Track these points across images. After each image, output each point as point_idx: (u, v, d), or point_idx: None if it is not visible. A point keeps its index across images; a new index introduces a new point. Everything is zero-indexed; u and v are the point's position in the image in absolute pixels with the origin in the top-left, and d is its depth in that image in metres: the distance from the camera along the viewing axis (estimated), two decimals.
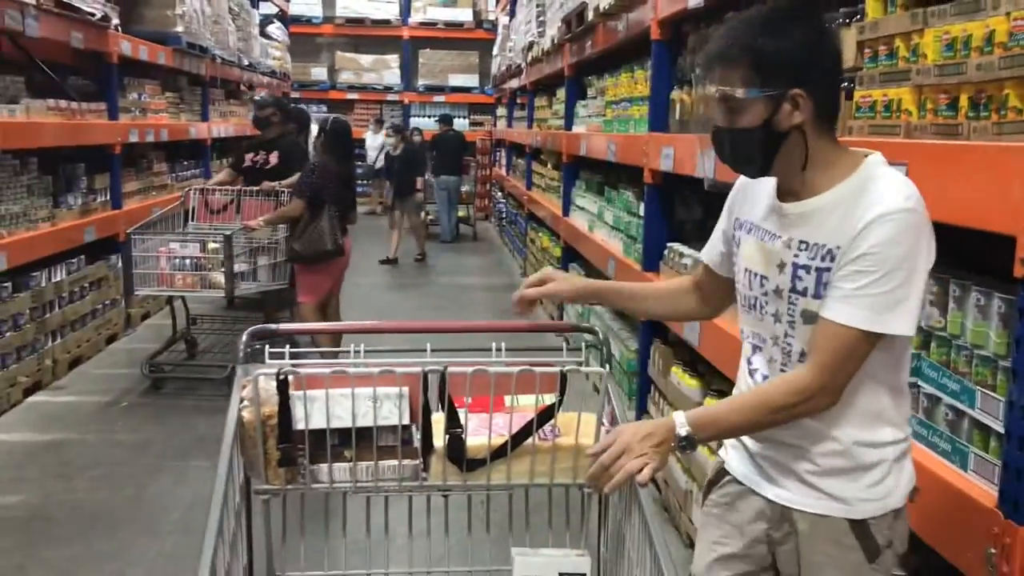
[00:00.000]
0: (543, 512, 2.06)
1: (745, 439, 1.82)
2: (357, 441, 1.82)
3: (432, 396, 1.83)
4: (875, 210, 1.57)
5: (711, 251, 1.97)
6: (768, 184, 1.77)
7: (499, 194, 13.91)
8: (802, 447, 1.69)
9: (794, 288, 1.68)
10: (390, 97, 17.69)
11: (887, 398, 1.66)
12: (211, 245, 5.29)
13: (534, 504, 2.03)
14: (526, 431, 1.83)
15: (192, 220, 6.07)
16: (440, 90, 17.62)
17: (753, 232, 1.80)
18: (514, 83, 11.17)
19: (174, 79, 8.67)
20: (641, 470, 1.57)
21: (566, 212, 6.82)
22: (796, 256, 1.68)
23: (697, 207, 4.36)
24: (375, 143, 14.76)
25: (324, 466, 1.83)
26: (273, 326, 2.05)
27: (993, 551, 1.62)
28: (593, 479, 1.63)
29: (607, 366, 1.97)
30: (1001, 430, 1.67)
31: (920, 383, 1.98)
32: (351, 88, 17.49)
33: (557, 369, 1.82)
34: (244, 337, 1.94)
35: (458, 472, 1.85)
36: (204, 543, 1.45)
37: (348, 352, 1.90)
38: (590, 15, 5.34)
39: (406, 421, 1.82)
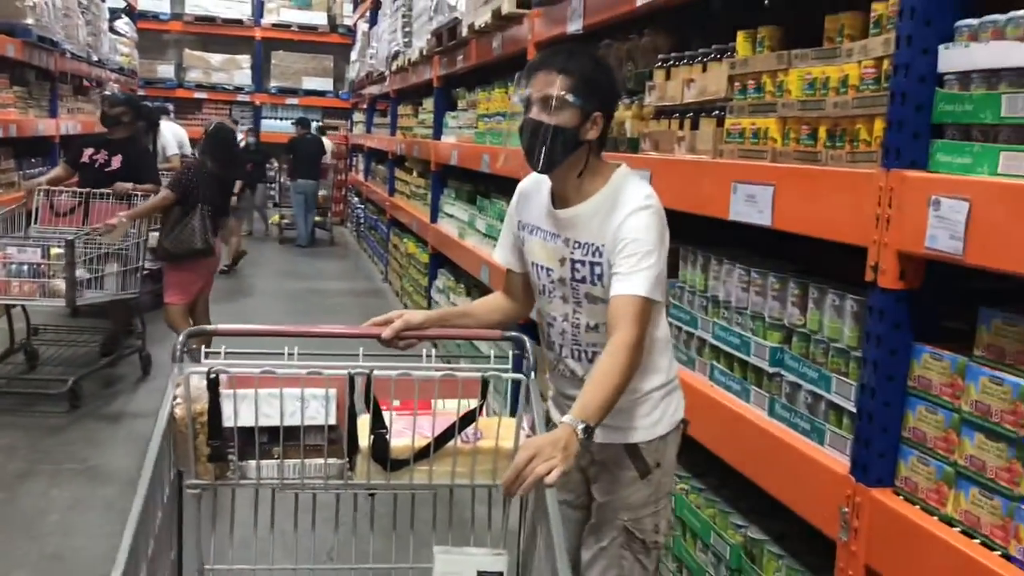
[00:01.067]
0: (468, 512, 2.21)
1: (554, 394, 2.35)
2: (285, 440, 1.89)
3: (360, 398, 1.93)
4: (627, 208, 2.08)
5: (506, 255, 2.39)
6: (543, 193, 2.24)
7: (356, 199, 13.92)
8: None
9: (574, 278, 2.18)
10: (241, 98, 17.35)
11: (654, 352, 2.20)
12: (54, 251, 4.96)
13: (461, 504, 2.15)
14: (448, 434, 1.93)
15: (35, 223, 5.68)
16: (293, 92, 17.44)
17: (536, 233, 2.25)
18: (375, 89, 11.27)
19: (21, 72, 8.32)
20: (549, 472, 1.69)
21: (434, 219, 7.01)
22: (572, 253, 2.16)
23: None
24: None
25: (252, 463, 1.91)
26: (211, 327, 2.15)
27: (846, 510, 1.94)
28: (508, 484, 1.71)
29: (532, 373, 2.05)
30: (853, 409, 2.00)
31: (783, 372, 2.30)
32: (199, 87, 17.07)
33: (479, 375, 1.94)
34: (181, 337, 2.00)
35: (383, 472, 1.94)
36: (125, 533, 1.51)
37: (282, 354, 1.98)
38: (464, 31, 5.57)
39: (332, 422, 1.90)
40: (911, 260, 1.81)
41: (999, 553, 1.60)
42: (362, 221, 12.62)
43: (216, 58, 17.18)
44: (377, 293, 9.49)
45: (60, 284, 4.97)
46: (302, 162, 12.26)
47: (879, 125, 1.93)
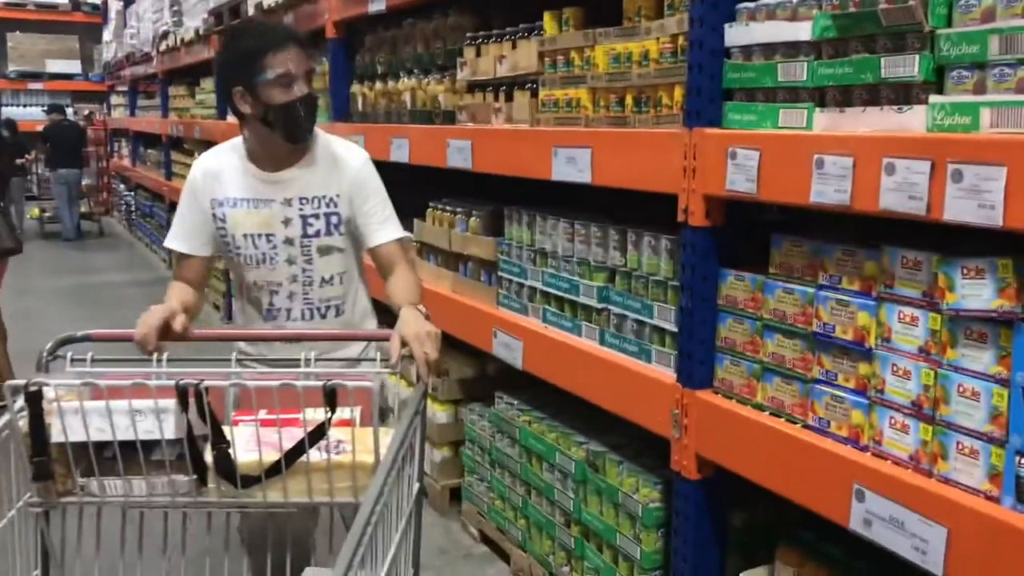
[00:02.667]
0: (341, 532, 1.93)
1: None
2: (129, 455, 1.76)
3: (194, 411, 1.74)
4: (354, 161, 2.38)
5: (189, 242, 2.38)
6: (235, 166, 2.35)
7: (122, 187, 13.29)
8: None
9: (306, 233, 2.34)
10: None
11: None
12: None
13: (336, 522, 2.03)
14: (300, 448, 1.75)
15: None
16: (37, 77, 16.28)
17: (239, 204, 2.33)
18: (138, 70, 10.80)
19: None
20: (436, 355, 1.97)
21: None
22: (302, 209, 2.32)
23: None
24: None
25: (94, 480, 1.79)
26: (82, 332, 2.01)
27: (676, 411, 2.35)
28: (426, 368, 1.92)
29: (423, 386, 1.93)
30: (674, 329, 2.40)
31: (610, 307, 2.68)
32: None
33: (319, 383, 1.72)
34: (49, 344, 1.93)
35: (233, 489, 1.78)
36: None
37: (154, 361, 1.91)
38: (250, 10, 5.59)
39: (170, 436, 1.74)
40: (714, 202, 2.22)
41: (800, 424, 2.05)
42: (133, 209, 12.09)
43: None
44: (163, 281, 9.20)
45: None
46: (61, 150, 11.59)
47: (679, 92, 2.33)
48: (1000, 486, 1.63)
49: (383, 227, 2.38)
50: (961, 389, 1.69)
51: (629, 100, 2.54)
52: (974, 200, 1.58)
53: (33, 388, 1.70)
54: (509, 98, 3.13)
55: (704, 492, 2.35)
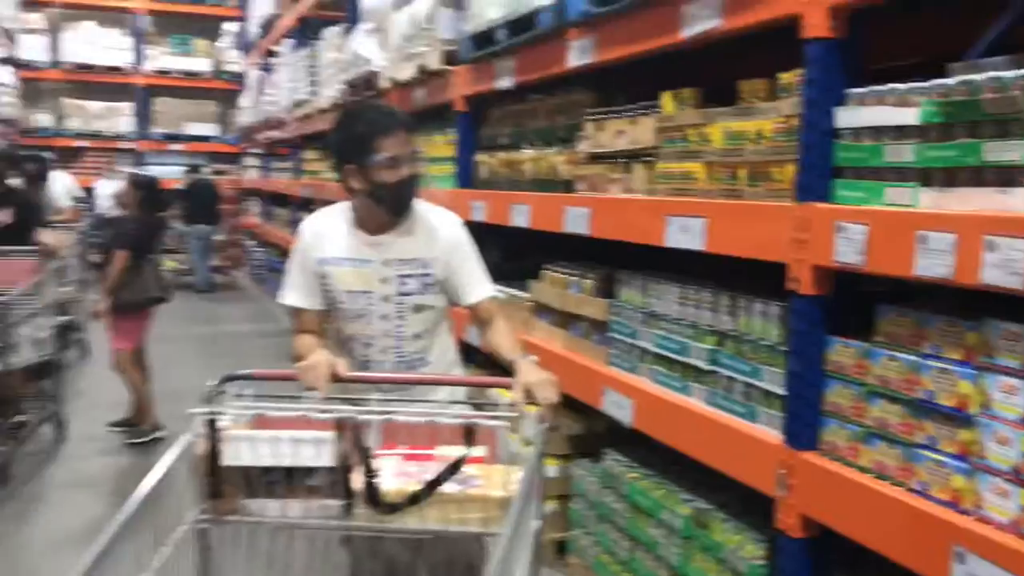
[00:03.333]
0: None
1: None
2: (292, 480, 2.01)
3: (377, 439, 2.07)
4: (448, 226, 2.66)
5: (304, 297, 2.65)
6: (341, 229, 2.61)
7: (251, 243, 14.03)
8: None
9: (400, 292, 2.59)
10: (123, 145, 17.18)
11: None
12: None
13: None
14: (439, 480, 2.00)
15: None
16: (177, 138, 17.37)
17: (343, 264, 2.59)
18: (274, 134, 11.50)
19: None
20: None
21: None
22: (400, 270, 2.57)
23: (496, 251, 5.11)
24: (109, 191, 14.27)
25: (257, 501, 2.03)
26: (246, 371, 2.28)
27: (782, 471, 2.45)
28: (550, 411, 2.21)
29: (532, 426, 2.16)
30: (782, 392, 2.52)
31: (718, 368, 2.81)
32: (79, 135, 16.80)
33: (461, 422, 2.02)
34: (216, 380, 2.18)
35: (377, 515, 2.02)
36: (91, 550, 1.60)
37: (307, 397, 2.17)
38: (386, 84, 5.99)
39: (326, 464, 1.99)
40: (823, 272, 2.35)
41: (903, 488, 2.13)
42: (263, 265, 12.75)
43: (95, 106, 16.94)
44: (287, 333, 9.68)
45: None
46: (197, 207, 12.35)
47: (790, 168, 2.48)
48: None
49: (480, 286, 2.67)
50: None
51: (742, 174, 2.70)
52: None
53: (212, 416, 1.96)
54: (627, 169, 3.33)
55: (807, 551, 2.44)
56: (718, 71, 2.97)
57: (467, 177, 4.88)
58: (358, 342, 2.63)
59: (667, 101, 3.11)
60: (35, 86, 16.52)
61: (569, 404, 3.78)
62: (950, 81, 2.01)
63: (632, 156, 3.31)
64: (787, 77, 2.55)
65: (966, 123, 1.97)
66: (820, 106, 2.34)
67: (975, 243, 1.87)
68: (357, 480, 1.99)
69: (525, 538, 1.83)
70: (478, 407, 2.33)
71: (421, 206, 2.67)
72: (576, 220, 3.54)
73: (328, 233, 2.63)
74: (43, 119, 16.56)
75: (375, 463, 1.99)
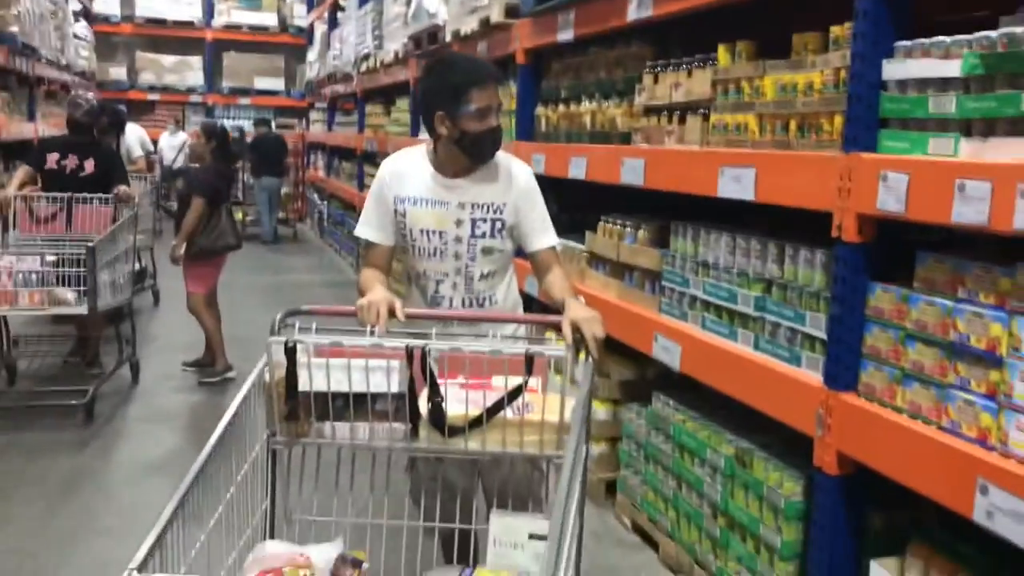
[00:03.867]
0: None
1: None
2: (357, 405, 2.09)
3: (436, 368, 2.11)
4: (523, 177, 2.74)
5: (377, 232, 2.75)
6: (420, 169, 2.69)
7: (315, 196, 14.33)
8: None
9: (473, 234, 2.68)
10: (193, 99, 17.60)
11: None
12: (48, 258, 4.87)
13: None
14: (499, 405, 2.08)
15: (13, 230, 5.49)
16: (245, 92, 17.72)
17: (419, 204, 2.68)
18: (339, 89, 11.70)
19: (3, 78, 8.61)
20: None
21: None
22: (473, 213, 2.66)
23: (553, 204, 5.23)
24: (173, 143, 14.55)
25: (327, 424, 2.12)
26: (306, 307, 2.37)
27: (821, 411, 2.56)
28: (595, 345, 2.28)
29: (585, 358, 2.24)
30: (824, 336, 2.62)
31: (765, 315, 2.92)
32: (152, 89, 17.26)
33: (523, 351, 2.10)
34: (278, 315, 2.27)
35: (441, 437, 2.12)
36: (194, 465, 1.73)
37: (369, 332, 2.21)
38: (447, 37, 6.11)
39: (396, 390, 2.07)
40: (866, 220, 2.43)
41: (935, 426, 2.23)
42: (326, 217, 13.04)
43: (168, 60, 17.38)
44: (349, 283, 9.96)
45: (66, 293, 4.92)
46: (265, 160, 12.63)
47: (839, 119, 2.56)
48: None
49: (544, 235, 2.76)
50: None
51: (793, 126, 2.78)
52: None
53: (292, 344, 2.06)
54: (682, 121, 3.42)
55: (843, 487, 2.56)
56: (773, 25, 3.03)
57: (527, 130, 5.00)
58: (430, 279, 2.74)
59: (722, 54, 3.18)
60: (108, 40, 16.98)
61: (620, 351, 3.93)
62: (992, 34, 2.07)
63: (687, 108, 3.40)
64: (838, 30, 2.61)
65: (1007, 74, 2.04)
66: (868, 59, 2.41)
67: (1010, 191, 1.94)
68: (422, 405, 2.08)
69: (580, 462, 1.88)
70: (535, 343, 2.44)
71: (501, 154, 2.75)
72: (632, 172, 3.65)
73: (407, 173, 2.71)
74: (116, 72, 17.04)
75: (441, 388, 2.08)
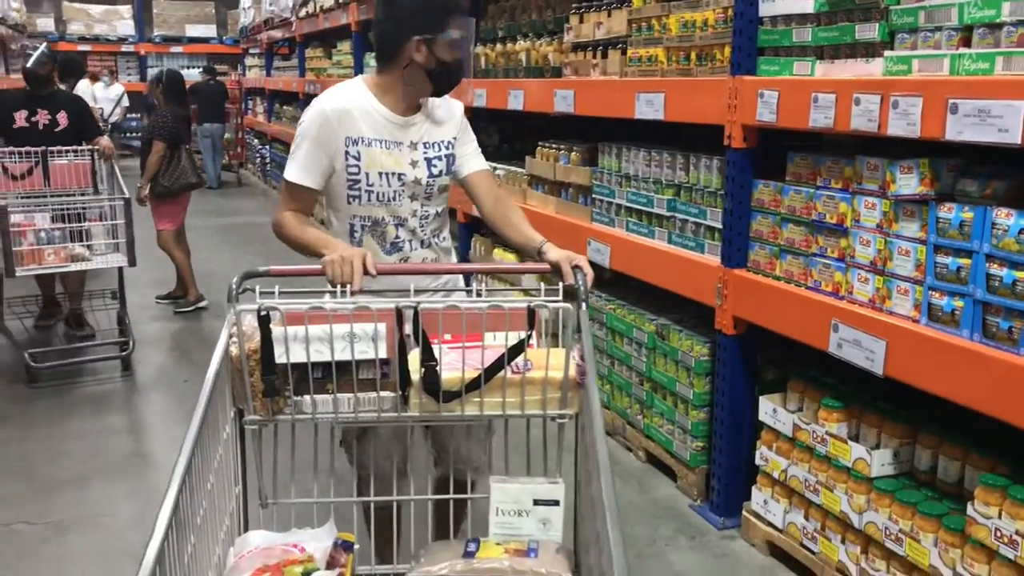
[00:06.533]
0: (526, 445, 2.07)
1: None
2: (338, 374, 1.86)
3: (410, 332, 1.86)
4: (459, 107, 2.59)
5: (313, 176, 2.41)
6: (369, 109, 2.39)
7: (256, 141, 14.61)
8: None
9: (431, 174, 2.47)
10: (124, 48, 17.59)
11: None
12: (46, 215, 4.85)
13: (520, 437, 2.05)
14: (498, 365, 1.86)
15: None
16: (177, 41, 17.76)
17: (374, 144, 2.40)
18: (276, 35, 11.98)
19: None
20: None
21: None
22: (426, 152, 2.46)
23: (495, 135, 5.81)
24: (109, 96, 14.53)
25: (307, 398, 1.89)
26: (264, 268, 2.01)
27: (719, 285, 3.21)
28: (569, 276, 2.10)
29: (584, 304, 1.97)
30: (720, 227, 3.26)
31: (676, 214, 3.55)
32: (82, 40, 17.19)
33: (524, 305, 1.86)
34: (235, 278, 1.94)
35: (435, 403, 1.88)
36: (176, 465, 1.45)
37: (334, 292, 1.99)
38: None
39: (383, 355, 1.86)
40: (749, 129, 3.06)
41: (803, 287, 2.89)
42: (268, 161, 13.37)
43: (96, 9, 17.31)
44: None
45: (82, 249, 4.95)
46: (208, 107, 12.87)
47: (727, 50, 3.17)
48: (920, 312, 2.46)
49: (477, 157, 2.60)
50: (900, 250, 2.52)
51: (693, 56, 3.39)
52: (904, 120, 2.40)
53: (264, 312, 1.80)
54: (604, 56, 4.00)
55: (739, 344, 3.23)
56: None
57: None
58: (388, 224, 2.48)
59: None
60: None
61: None
62: None
63: (608, 44, 3.98)
64: None
65: (846, 11, 2.66)
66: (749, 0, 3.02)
67: (847, 100, 2.58)
68: (415, 370, 1.87)
69: (599, 415, 1.68)
70: (526, 293, 2.39)
71: None
72: (563, 101, 4.23)
73: (355, 111, 2.40)
74: (44, 24, 16.92)
75: (434, 351, 1.86)
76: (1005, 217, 2.21)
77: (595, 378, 1.79)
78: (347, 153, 2.40)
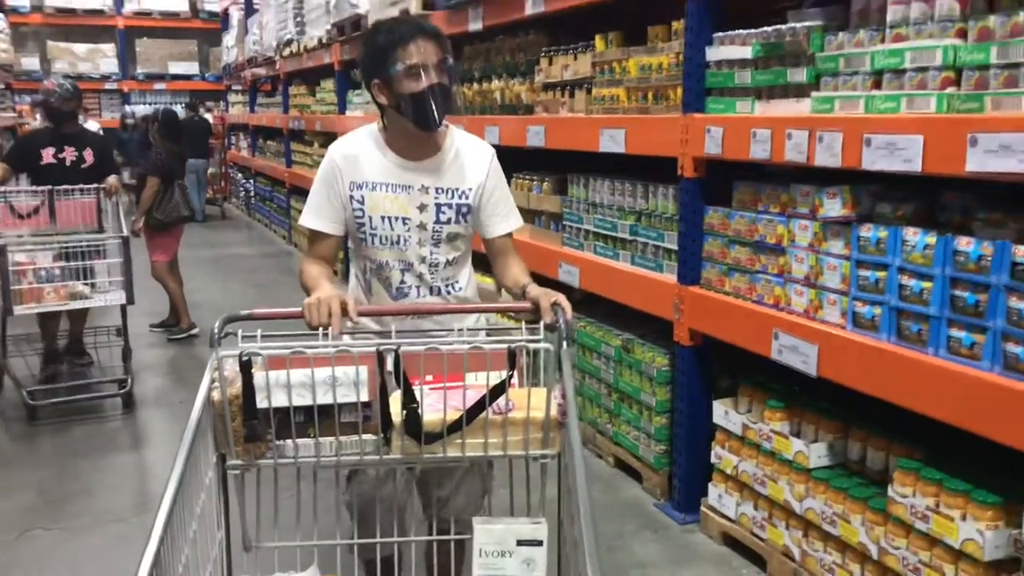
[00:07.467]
0: (509, 486, 2.11)
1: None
2: (321, 418, 1.87)
3: (391, 375, 1.87)
4: (485, 156, 2.50)
5: (324, 222, 2.45)
6: (375, 152, 2.42)
7: (239, 175, 14.92)
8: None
9: (438, 220, 2.43)
10: (108, 86, 17.91)
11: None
12: (48, 253, 4.88)
13: (502, 478, 2.12)
14: (480, 406, 1.87)
15: None
16: (161, 78, 18.11)
17: (379, 188, 2.41)
18: (259, 72, 12.34)
19: None
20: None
21: None
22: (437, 198, 2.42)
23: None
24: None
25: (289, 442, 1.89)
26: (245, 312, 2.02)
27: (677, 301, 3.56)
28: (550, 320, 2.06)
29: (564, 343, 1.96)
30: (676, 248, 3.61)
31: (638, 238, 3.90)
32: (67, 77, 17.45)
33: (505, 346, 1.86)
34: (217, 323, 1.93)
35: (417, 446, 1.90)
36: (156, 516, 1.45)
37: (315, 335, 1.97)
38: (370, 25, 6.92)
39: (365, 399, 1.87)
40: (699, 161, 3.42)
41: (749, 301, 3.24)
42: (252, 194, 13.67)
43: (80, 48, 17.64)
44: (286, 254, 10.73)
45: (82, 287, 4.98)
46: (192, 142, 13.15)
47: (679, 91, 3.53)
48: (847, 319, 2.81)
49: (505, 220, 2.53)
50: (829, 265, 2.87)
51: (650, 96, 3.76)
52: (828, 152, 2.76)
53: (246, 357, 1.81)
54: (572, 95, 4.37)
55: (695, 354, 3.57)
56: (635, 18, 4.00)
57: None
58: (394, 268, 2.47)
59: (599, 41, 4.14)
60: (17, 30, 17.12)
61: (534, 279, 4.87)
62: (768, 29, 3.07)
63: (575, 84, 4.35)
64: (677, 25, 3.59)
65: (778, 56, 3.04)
66: (696, 46, 3.40)
67: (782, 135, 2.94)
68: (396, 412, 1.89)
69: (580, 456, 1.69)
70: (502, 335, 2.10)
71: (458, 132, 2.53)
72: (535, 136, 4.59)
73: (361, 156, 2.44)
74: (29, 63, 17.22)
75: (416, 393, 1.88)
76: (912, 235, 2.57)
77: (576, 419, 1.82)
78: (351, 197, 2.44)
